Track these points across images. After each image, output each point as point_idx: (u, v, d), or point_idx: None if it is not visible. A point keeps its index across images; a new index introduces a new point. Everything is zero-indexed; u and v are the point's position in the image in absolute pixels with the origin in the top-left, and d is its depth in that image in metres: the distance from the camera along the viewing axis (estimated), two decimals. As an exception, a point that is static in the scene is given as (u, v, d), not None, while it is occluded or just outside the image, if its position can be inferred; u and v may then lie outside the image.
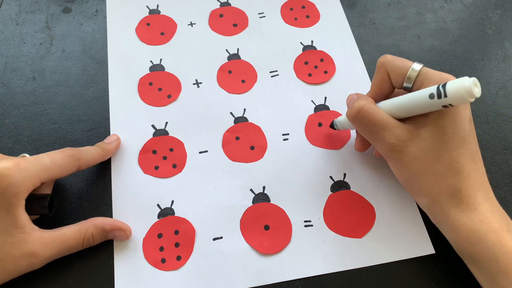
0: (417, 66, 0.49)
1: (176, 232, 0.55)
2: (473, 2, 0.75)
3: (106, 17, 0.70)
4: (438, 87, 0.44)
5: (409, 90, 0.50)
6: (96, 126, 0.61)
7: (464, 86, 0.42)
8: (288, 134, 0.62)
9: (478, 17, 0.73)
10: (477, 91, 0.43)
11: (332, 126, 0.61)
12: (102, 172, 0.59)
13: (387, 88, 0.53)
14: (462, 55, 0.69)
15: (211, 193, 0.58)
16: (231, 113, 0.63)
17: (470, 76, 0.62)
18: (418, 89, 0.48)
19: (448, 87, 0.43)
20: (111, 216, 0.56)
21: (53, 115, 0.62)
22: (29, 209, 0.49)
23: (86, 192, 0.57)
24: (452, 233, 0.49)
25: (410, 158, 0.49)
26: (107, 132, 0.61)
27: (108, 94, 0.64)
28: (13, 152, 0.59)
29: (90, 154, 0.55)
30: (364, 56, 0.68)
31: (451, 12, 0.73)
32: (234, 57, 0.68)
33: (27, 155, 0.54)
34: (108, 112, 0.62)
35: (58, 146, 0.60)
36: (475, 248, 0.47)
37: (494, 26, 0.72)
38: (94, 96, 0.64)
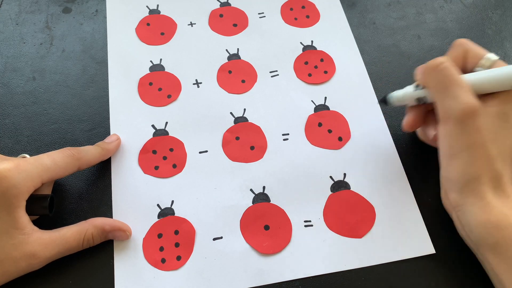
0: (493, 57, 0.50)
1: (176, 232, 0.55)
2: (473, 2, 0.75)
3: (106, 17, 0.70)
4: None
5: None
6: (96, 126, 0.61)
7: None
8: (288, 134, 0.62)
9: (478, 17, 0.73)
10: None
11: (384, 101, 0.60)
12: (102, 172, 0.59)
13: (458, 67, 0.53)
14: (462, 55, 0.69)
15: (211, 193, 0.58)
16: (231, 113, 0.63)
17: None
18: None
19: None
20: (111, 216, 0.56)
21: (53, 115, 0.62)
22: (29, 210, 0.49)
23: (86, 192, 0.57)
24: (482, 216, 0.48)
25: (474, 128, 0.48)
26: (107, 132, 0.61)
27: (108, 94, 0.64)
28: (13, 152, 0.59)
29: (90, 153, 0.55)
30: (364, 56, 0.68)
31: (451, 12, 0.73)
32: (234, 57, 0.68)
33: (27, 156, 0.55)
34: (108, 112, 0.62)
35: (58, 146, 0.60)
36: (503, 233, 0.47)
37: (494, 26, 0.72)
38: (94, 96, 0.64)
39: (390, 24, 0.72)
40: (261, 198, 0.58)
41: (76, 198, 0.57)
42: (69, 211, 0.56)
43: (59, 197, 0.56)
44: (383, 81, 0.66)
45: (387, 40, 0.70)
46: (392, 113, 0.63)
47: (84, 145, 0.58)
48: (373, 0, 0.74)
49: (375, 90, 0.65)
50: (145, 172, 0.59)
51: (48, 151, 0.51)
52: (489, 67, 0.50)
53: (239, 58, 0.68)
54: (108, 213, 0.56)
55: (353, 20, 0.72)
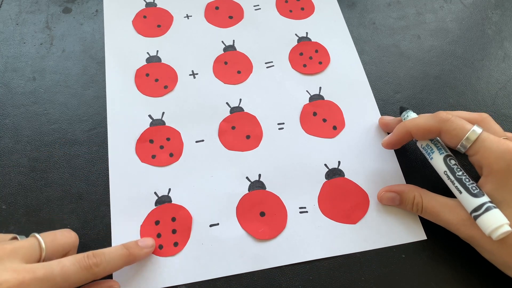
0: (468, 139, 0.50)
1: (173, 219, 0.55)
2: (473, 2, 0.75)
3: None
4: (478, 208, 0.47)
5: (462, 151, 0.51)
6: (96, 126, 0.62)
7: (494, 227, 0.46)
8: (283, 123, 0.62)
9: (478, 17, 0.73)
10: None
11: (402, 112, 0.60)
12: (102, 172, 0.59)
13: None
14: (462, 55, 0.69)
15: (207, 181, 0.58)
16: (227, 103, 0.64)
17: (470, 76, 0.63)
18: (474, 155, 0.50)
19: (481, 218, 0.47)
20: (109, 208, 0.56)
21: (53, 115, 0.62)
22: None
23: (86, 192, 0.58)
24: None
25: None
26: (107, 132, 0.61)
27: (108, 94, 0.65)
28: (13, 152, 0.60)
29: (112, 263, 0.48)
30: (364, 56, 0.69)
31: (451, 12, 0.74)
32: (229, 48, 0.68)
33: (18, 238, 0.47)
34: (109, 112, 0.63)
35: (58, 146, 0.60)
36: None
37: (494, 26, 0.72)
38: (94, 96, 0.64)
39: (390, 24, 0.72)
40: (257, 185, 0.58)
41: (76, 198, 0.57)
42: (69, 211, 0.56)
43: (58, 196, 0.57)
44: (383, 81, 0.66)
45: (387, 40, 0.71)
46: (385, 103, 0.64)
47: (84, 145, 0.59)
48: (373, 0, 0.75)
49: (374, 90, 0.66)
50: (142, 161, 0.59)
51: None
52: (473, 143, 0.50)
53: (235, 49, 0.68)
54: (108, 213, 0.56)
55: (353, 20, 0.72)
